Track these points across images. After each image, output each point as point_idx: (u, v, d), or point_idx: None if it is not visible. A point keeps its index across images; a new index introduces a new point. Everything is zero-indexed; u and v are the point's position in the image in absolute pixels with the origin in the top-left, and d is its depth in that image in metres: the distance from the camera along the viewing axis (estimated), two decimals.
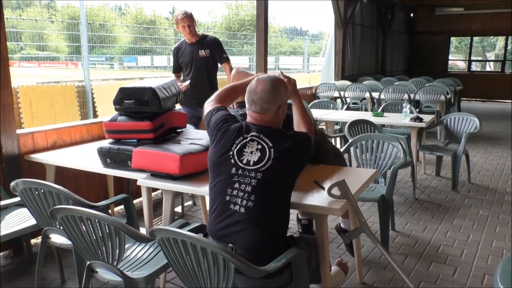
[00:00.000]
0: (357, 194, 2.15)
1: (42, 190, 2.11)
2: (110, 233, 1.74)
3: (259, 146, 1.70)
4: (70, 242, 1.97)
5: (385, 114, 5.12)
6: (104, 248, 1.80)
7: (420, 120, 4.53)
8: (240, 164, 1.70)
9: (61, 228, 1.89)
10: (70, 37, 7.68)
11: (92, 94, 6.71)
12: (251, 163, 1.69)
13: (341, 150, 3.47)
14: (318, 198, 1.98)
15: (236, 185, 1.68)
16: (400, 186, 4.52)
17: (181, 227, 2.06)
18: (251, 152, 1.70)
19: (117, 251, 1.77)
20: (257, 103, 1.76)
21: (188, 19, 3.88)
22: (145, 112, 2.47)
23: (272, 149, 1.69)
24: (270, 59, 14.85)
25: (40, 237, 2.30)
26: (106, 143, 2.59)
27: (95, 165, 2.65)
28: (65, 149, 3.16)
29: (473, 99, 13.14)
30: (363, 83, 8.07)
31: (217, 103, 1.98)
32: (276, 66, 14.39)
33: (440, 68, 13.30)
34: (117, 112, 2.58)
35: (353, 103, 7.57)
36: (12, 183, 2.13)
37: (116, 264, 1.81)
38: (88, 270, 1.91)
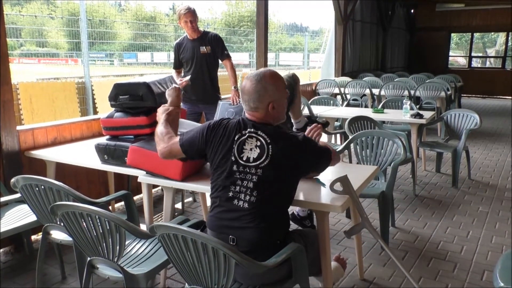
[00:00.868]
0: (359, 190, 2.15)
1: (43, 187, 2.11)
2: (110, 230, 1.74)
3: (258, 143, 1.73)
4: (70, 239, 1.97)
5: (385, 110, 5.12)
6: (104, 244, 1.80)
7: (421, 116, 4.52)
8: (240, 161, 1.72)
9: (62, 224, 1.89)
10: (70, 33, 7.67)
11: (92, 90, 6.70)
12: (251, 159, 1.71)
13: (341, 147, 3.47)
14: (319, 195, 1.98)
15: (239, 182, 1.71)
16: (400, 183, 4.52)
17: (181, 223, 2.06)
18: (251, 149, 1.73)
19: (118, 247, 1.77)
20: (247, 102, 1.79)
21: (191, 15, 3.88)
22: (140, 107, 2.48)
23: (270, 146, 1.71)
24: (270, 56, 14.83)
25: (41, 233, 2.31)
26: (104, 139, 2.59)
27: (94, 162, 2.65)
28: (65, 146, 3.16)
29: (473, 95, 13.13)
30: (363, 79, 8.06)
31: (172, 134, 1.96)
32: (276, 62, 14.38)
33: (440, 64, 13.28)
34: (114, 109, 2.58)
35: (353, 100, 7.56)
36: (13, 180, 2.13)
37: (117, 260, 1.82)
38: (88, 266, 1.91)
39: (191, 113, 4.03)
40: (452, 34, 14.26)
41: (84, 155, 2.88)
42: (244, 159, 1.72)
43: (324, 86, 7.95)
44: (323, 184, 2.08)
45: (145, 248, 2.13)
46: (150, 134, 2.51)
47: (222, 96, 4.25)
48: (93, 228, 1.77)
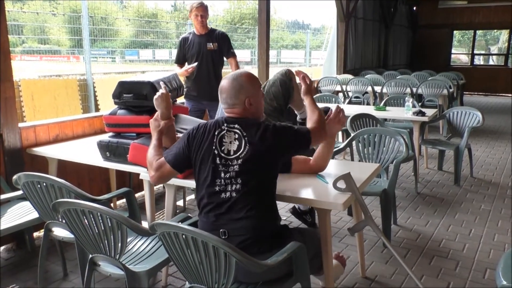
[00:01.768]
0: (362, 188, 2.14)
1: (45, 184, 2.11)
2: (112, 227, 1.74)
3: (236, 136, 1.81)
4: (72, 236, 1.97)
5: (387, 108, 5.10)
6: (106, 241, 1.80)
7: (423, 114, 4.51)
8: (222, 154, 1.79)
9: (64, 221, 1.89)
10: (72, 30, 7.66)
11: (94, 87, 6.70)
12: (232, 152, 1.79)
13: (343, 144, 3.46)
14: (321, 192, 1.98)
15: (222, 175, 1.77)
16: (402, 180, 4.51)
17: (182, 221, 2.06)
18: (230, 142, 1.80)
19: (119, 244, 1.77)
20: (225, 100, 1.88)
21: (203, 9, 3.92)
22: (144, 106, 2.47)
23: (246, 138, 1.79)
24: (272, 53, 14.78)
25: (43, 230, 2.31)
26: (106, 136, 2.59)
27: (96, 159, 2.65)
28: (67, 143, 3.16)
29: (475, 93, 13.09)
30: (365, 77, 8.04)
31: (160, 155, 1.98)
32: (278, 60, 14.34)
33: (442, 62, 13.24)
34: (117, 106, 2.57)
35: (355, 97, 7.54)
36: (15, 177, 2.13)
37: (119, 258, 1.81)
38: (90, 264, 1.91)
39: (194, 111, 4.02)
40: (455, 32, 14.20)
41: (85, 152, 2.88)
42: (225, 152, 1.79)
43: (326, 84, 7.93)
44: (326, 181, 2.07)
45: (147, 245, 2.13)
46: None
47: None
48: (94, 225, 1.77)
